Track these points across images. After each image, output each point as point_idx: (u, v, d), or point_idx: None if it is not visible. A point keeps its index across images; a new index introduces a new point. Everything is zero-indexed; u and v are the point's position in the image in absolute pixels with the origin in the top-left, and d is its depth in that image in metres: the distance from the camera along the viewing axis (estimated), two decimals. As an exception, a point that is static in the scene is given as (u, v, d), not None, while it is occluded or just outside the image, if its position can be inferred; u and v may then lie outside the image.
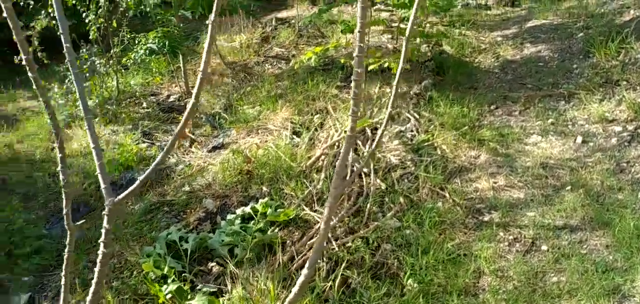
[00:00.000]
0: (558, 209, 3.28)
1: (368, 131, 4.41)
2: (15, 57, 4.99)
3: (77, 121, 4.84)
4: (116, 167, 3.94)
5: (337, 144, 4.14)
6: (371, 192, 3.53)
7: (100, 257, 1.87)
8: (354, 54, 1.91)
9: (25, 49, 1.73)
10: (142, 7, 5.26)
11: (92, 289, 1.91)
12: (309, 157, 4.04)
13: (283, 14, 9.17)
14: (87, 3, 4.95)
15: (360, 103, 1.77)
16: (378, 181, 3.65)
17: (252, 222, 3.15)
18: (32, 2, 5.06)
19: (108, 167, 3.95)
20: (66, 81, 4.98)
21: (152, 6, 5.23)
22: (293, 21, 8.54)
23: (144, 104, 5.39)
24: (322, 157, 3.99)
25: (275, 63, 6.87)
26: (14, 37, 1.69)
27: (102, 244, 1.87)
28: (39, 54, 4.91)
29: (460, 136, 4.30)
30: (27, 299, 2.58)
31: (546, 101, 4.71)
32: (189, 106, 1.84)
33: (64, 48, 1.90)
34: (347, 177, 3.34)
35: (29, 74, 1.75)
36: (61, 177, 1.81)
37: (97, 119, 4.89)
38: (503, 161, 3.93)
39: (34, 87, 1.77)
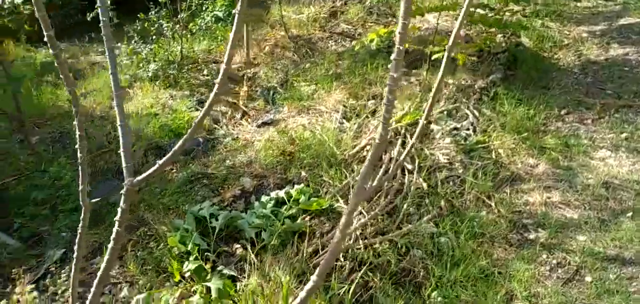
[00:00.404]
0: (612, 237, 2.95)
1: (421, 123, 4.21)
2: (87, 13, 5.32)
3: (139, 82, 5.06)
4: (167, 133, 4.07)
5: (384, 135, 3.99)
6: (411, 191, 3.38)
7: (113, 235, 1.93)
8: (397, 31, 1.77)
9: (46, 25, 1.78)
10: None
11: (103, 266, 1.98)
12: (354, 146, 3.94)
13: (356, -11, 8.95)
14: (159, -32, 5.10)
15: (392, 107, 1.63)
16: (420, 179, 3.49)
17: (285, 207, 3.14)
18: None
19: (159, 132, 4.10)
20: (133, 41, 5.20)
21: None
22: (364, -2, 8.32)
23: (205, 71, 5.52)
24: (367, 147, 3.87)
25: (339, 40, 6.73)
26: None
27: (116, 223, 1.92)
28: (110, 12, 5.16)
29: (520, 141, 3.99)
30: (61, 254, 2.77)
31: (624, 111, 4.23)
32: (219, 77, 1.79)
33: (101, 22, 1.93)
34: (376, 181, 3.20)
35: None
36: (78, 154, 1.85)
37: (157, 82, 5.08)
38: (563, 174, 3.60)
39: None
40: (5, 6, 6.52)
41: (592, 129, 4.12)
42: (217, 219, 2.90)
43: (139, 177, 1.98)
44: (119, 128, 1.91)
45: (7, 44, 6.35)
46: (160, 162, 2.04)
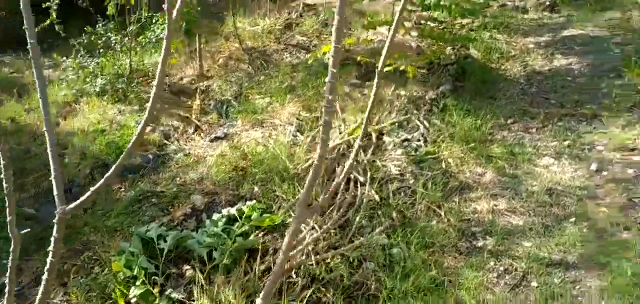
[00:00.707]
0: (557, 243, 3.08)
1: (373, 136, 4.26)
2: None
3: (86, 97, 4.88)
4: (114, 150, 3.94)
5: (337, 148, 4.02)
6: (363, 203, 3.41)
7: (47, 265, 1.84)
8: (330, 55, 1.78)
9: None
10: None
11: (38, 297, 1.88)
12: (307, 159, 3.94)
13: (313, 0, 9.01)
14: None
15: (330, 128, 1.64)
16: (372, 191, 3.52)
17: (237, 224, 3.09)
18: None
19: (106, 149, 3.97)
20: (79, 55, 5.02)
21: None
22: (321, 9, 8.38)
23: (151, 83, 5.39)
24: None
25: (294, 52, 6.75)
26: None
27: (50, 253, 1.83)
28: (56, 26, 4.97)
29: (468, 150, 4.11)
30: (-2, 284, 2.62)
31: (566, 120, 4.44)
32: (150, 103, 1.76)
33: (29, 44, 1.85)
34: (316, 203, 3.20)
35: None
36: (4, 184, 1.75)
37: (105, 97, 4.92)
38: (508, 182, 3.73)
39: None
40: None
41: (536, 138, 4.29)
42: (165, 241, 2.82)
43: (72, 205, 1.90)
44: (49, 154, 1.83)
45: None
46: (93, 188, 1.97)
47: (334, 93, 1.67)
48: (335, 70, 1.59)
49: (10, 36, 7.03)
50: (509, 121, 4.63)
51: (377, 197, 3.47)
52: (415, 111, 4.71)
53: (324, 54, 5.14)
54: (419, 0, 4.95)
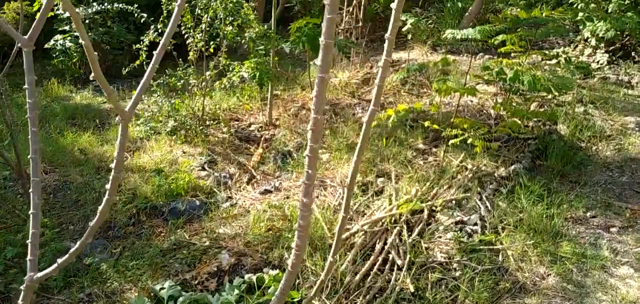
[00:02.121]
0: None
1: (425, 213, 3.94)
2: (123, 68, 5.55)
3: (157, 135, 5.15)
4: (164, 193, 4.06)
5: (380, 221, 3.76)
6: (394, 292, 3.11)
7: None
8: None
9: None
10: (238, 38, 5.43)
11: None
12: (348, 229, 3.73)
13: (397, 55, 8.86)
14: (190, 28, 5.25)
15: (312, 194, 1.44)
16: (408, 280, 3.21)
17: (255, 295, 2.97)
18: (144, 16, 5.51)
19: (157, 190, 4.10)
20: (155, 95, 5.33)
21: (248, 39, 5.37)
22: (403, 65, 8.20)
23: (224, 129, 5.55)
24: (360, 233, 3.65)
25: (367, 108, 6.61)
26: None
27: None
28: (145, 66, 5.36)
29: (533, 245, 3.62)
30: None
31: (659, 224, 3.76)
32: (106, 197, 1.72)
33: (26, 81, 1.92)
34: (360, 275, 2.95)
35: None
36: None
37: (175, 136, 5.15)
38: (573, 291, 3.19)
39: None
40: (57, 48, 6.97)
41: (617, 240, 3.67)
42: (175, 303, 2.78)
43: (40, 274, 1.89)
44: (31, 212, 1.84)
45: (52, 83, 6.76)
46: (61, 260, 1.93)
47: (317, 142, 1.49)
48: (318, 117, 1.42)
49: (114, 68, 7.77)
50: (588, 214, 4.03)
51: (411, 288, 3.15)
52: (478, 189, 4.29)
53: (388, 117, 4.94)
54: (495, 73, 4.57)
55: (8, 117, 3.40)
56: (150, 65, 1.51)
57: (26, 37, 1.84)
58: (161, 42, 1.58)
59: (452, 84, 5.82)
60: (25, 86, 1.86)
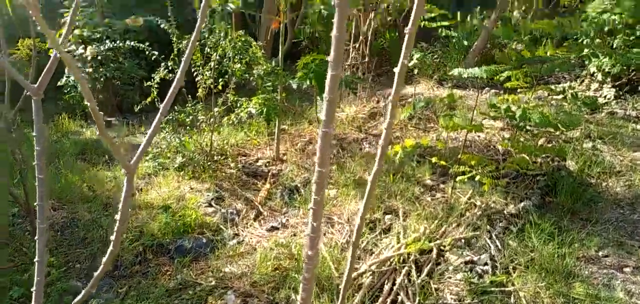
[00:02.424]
0: None
1: (434, 252, 3.89)
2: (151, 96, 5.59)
3: (165, 171, 5.17)
4: (171, 230, 4.05)
5: (389, 261, 3.72)
6: (404, 334, 3.05)
7: None
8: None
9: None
10: (247, 75, 5.50)
11: None
12: (356, 268, 3.69)
13: (403, 90, 8.93)
14: (199, 65, 5.33)
15: (317, 246, 1.45)
16: (417, 322, 3.15)
17: (261, 335, 2.92)
18: (155, 53, 5.60)
19: (164, 228, 4.09)
20: (164, 131, 5.38)
21: (256, 76, 5.44)
22: (410, 100, 8.25)
23: (232, 164, 5.57)
24: (368, 273, 3.60)
25: (374, 143, 6.63)
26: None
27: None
28: (156, 102, 5.45)
29: (545, 286, 3.55)
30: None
31: (674, 265, 3.68)
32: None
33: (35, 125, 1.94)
34: None
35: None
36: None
37: (182, 172, 5.17)
38: (588, 337, 3.11)
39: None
40: (69, 84, 7.08)
41: (632, 280, 3.59)
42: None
43: None
44: (36, 263, 1.84)
45: (63, 119, 6.85)
46: None
47: (321, 193, 1.48)
48: (322, 171, 1.42)
49: (125, 103, 7.88)
50: (600, 253, 3.96)
51: (421, 330, 3.09)
52: (488, 228, 4.24)
53: (395, 153, 4.93)
54: (503, 111, 4.57)
55: (18, 156, 3.43)
56: (159, 113, 1.52)
57: (36, 85, 1.87)
58: (173, 85, 1.60)
59: (459, 120, 5.84)
60: (34, 133, 1.88)
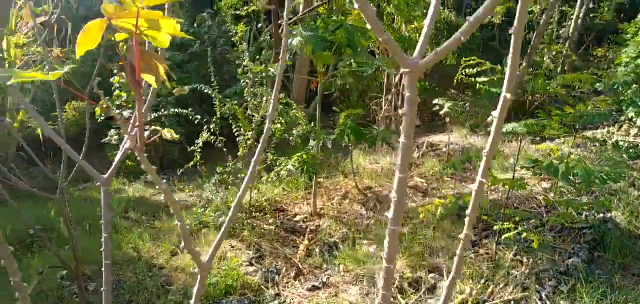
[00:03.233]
0: None
1: None
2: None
3: (206, 229, 5.27)
4: (217, 292, 4.09)
5: (436, 324, 3.64)
6: None
7: None
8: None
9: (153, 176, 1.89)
10: (286, 135, 5.63)
11: None
12: (402, 332, 3.62)
13: (437, 138, 8.93)
14: (240, 126, 5.49)
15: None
16: None
17: None
18: (199, 117, 5.80)
19: (211, 290, 4.14)
20: (208, 189, 5.51)
21: (295, 136, 5.56)
22: (445, 149, 8.24)
23: (271, 221, 5.63)
24: (416, 337, 3.53)
25: (411, 195, 6.60)
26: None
27: None
28: (199, 167, 5.64)
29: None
30: None
31: None
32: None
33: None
34: None
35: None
36: None
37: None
38: None
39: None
40: (112, 142, 7.37)
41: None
42: None
43: None
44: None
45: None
46: None
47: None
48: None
49: (166, 160, 8.12)
50: (658, 315, 3.79)
51: None
52: (537, 287, 4.13)
53: (436, 207, 4.90)
54: (545, 167, 4.51)
55: (69, 225, 3.57)
56: (253, 162, 1.58)
57: (105, 177, 1.98)
58: (261, 141, 1.66)
59: (498, 172, 5.76)
60: (102, 222, 1.98)
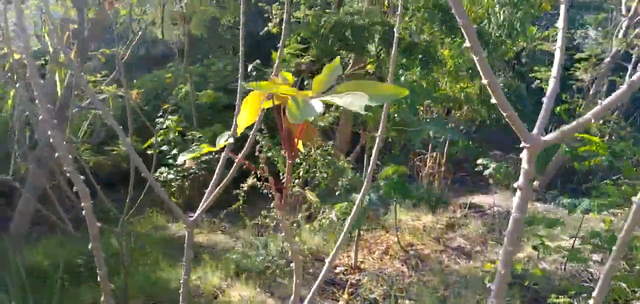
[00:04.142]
0: None
1: None
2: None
3: (247, 273, 5.28)
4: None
5: None
6: None
7: None
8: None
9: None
10: (332, 185, 5.67)
11: None
12: None
13: (479, 199, 8.74)
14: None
15: None
16: None
17: None
18: (246, 163, 5.91)
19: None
20: (251, 235, 5.56)
21: (341, 187, 5.59)
22: (489, 211, 8.05)
23: (310, 270, 5.59)
24: None
25: (453, 256, 6.45)
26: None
27: None
28: (241, 212, 5.73)
29: None
30: None
31: None
32: None
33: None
34: None
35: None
36: None
37: (264, 275, 5.26)
38: None
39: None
40: (160, 179, 7.58)
41: None
42: None
43: None
44: None
45: (152, 212, 7.27)
46: None
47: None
48: None
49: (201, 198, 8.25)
50: None
51: None
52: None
53: (489, 272, 4.76)
54: (606, 241, 4.34)
55: (125, 260, 3.66)
56: (369, 170, 1.59)
57: (192, 219, 2.04)
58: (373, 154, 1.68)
59: (548, 242, 5.57)
60: (184, 261, 2.03)
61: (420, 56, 6.20)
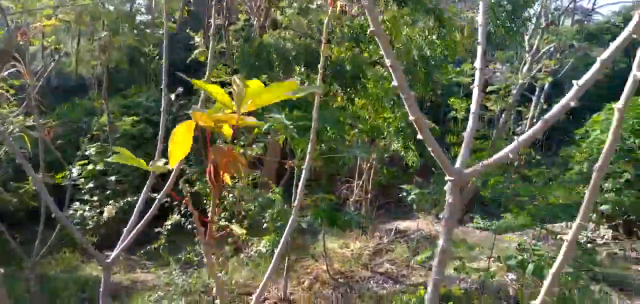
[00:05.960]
0: None
1: None
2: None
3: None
4: None
5: None
6: None
7: None
8: None
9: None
10: (260, 217, 5.60)
11: None
12: None
13: (404, 225, 9.03)
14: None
15: None
16: None
17: None
18: (168, 200, 5.69)
19: None
20: (173, 271, 5.33)
21: (269, 219, 5.54)
22: (413, 236, 8.34)
23: (238, 305, 5.44)
24: None
25: (381, 281, 6.57)
26: None
27: None
28: (162, 251, 5.49)
29: None
30: None
31: None
32: None
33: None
34: None
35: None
36: None
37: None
38: None
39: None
40: (75, 216, 7.07)
41: None
42: None
43: None
44: None
45: (63, 252, 6.73)
46: None
47: None
48: None
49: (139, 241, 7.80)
50: None
51: None
52: None
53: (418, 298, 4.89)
54: (515, 264, 4.65)
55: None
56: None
57: (109, 259, 1.93)
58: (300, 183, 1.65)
59: (468, 264, 5.86)
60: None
61: (345, 83, 6.38)
